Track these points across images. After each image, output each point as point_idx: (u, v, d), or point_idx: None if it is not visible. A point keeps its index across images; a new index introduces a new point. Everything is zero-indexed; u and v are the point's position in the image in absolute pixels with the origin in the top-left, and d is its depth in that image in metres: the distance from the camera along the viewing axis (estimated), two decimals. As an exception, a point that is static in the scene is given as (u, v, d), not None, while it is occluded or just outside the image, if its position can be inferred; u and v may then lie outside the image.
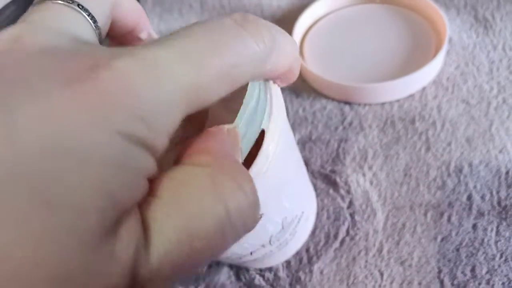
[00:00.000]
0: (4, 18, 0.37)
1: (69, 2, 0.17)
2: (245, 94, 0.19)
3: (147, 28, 0.23)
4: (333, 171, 0.36)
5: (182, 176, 0.16)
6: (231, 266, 0.33)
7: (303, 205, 0.30)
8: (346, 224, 0.33)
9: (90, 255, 0.13)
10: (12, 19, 0.37)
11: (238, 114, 0.18)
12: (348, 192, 0.35)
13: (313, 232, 0.33)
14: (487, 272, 0.30)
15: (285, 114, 0.23)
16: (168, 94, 0.15)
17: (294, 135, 0.39)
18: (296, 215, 0.29)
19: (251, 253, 0.28)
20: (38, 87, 0.13)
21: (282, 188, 0.25)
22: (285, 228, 0.28)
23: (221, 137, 0.17)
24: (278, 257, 0.32)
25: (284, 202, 0.27)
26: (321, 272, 0.32)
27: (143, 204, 0.15)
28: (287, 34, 0.19)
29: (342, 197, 0.35)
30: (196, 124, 0.23)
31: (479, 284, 0.29)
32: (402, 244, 0.32)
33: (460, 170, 0.34)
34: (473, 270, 0.30)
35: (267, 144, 0.21)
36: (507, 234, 0.31)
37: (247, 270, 0.33)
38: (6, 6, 0.38)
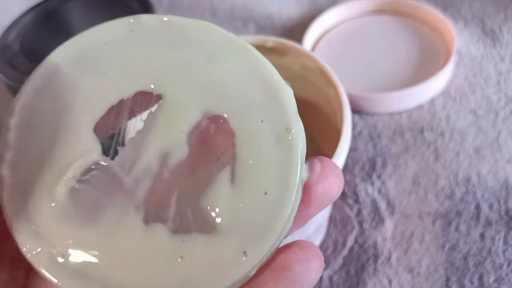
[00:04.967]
0: (23, 26, 0.38)
1: None
2: None
3: None
4: (342, 180, 0.37)
5: None
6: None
7: (320, 217, 0.31)
8: (354, 232, 0.34)
9: None
10: (29, 28, 0.38)
11: None
12: (356, 201, 0.35)
13: (322, 240, 0.34)
14: (494, 281, 0.30)
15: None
16: None
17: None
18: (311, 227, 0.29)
19: None
20: None
21: None
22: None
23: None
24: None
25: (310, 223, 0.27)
26: (330, 279, 0.32)
27: None
28: None
29: (350, 206, 0.35)
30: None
31: (487, 292, 0.30)
32: (410, 252, 0.32)
33: (468, 180, 0.35)
34: (480, 278, 0.30)
35: None
36: (515, 243, 0.31)
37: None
38: (23, 15, 0.38)
